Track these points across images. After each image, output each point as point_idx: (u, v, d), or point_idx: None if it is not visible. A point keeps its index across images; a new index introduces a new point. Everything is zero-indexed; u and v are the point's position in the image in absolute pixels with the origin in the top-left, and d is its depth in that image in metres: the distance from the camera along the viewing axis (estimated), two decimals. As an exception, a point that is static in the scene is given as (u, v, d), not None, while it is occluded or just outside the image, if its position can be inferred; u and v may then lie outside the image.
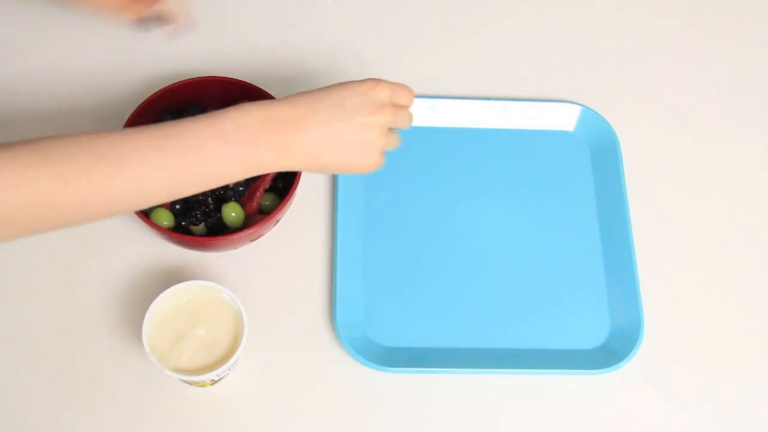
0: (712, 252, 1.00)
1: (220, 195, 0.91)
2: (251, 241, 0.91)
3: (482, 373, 0.90)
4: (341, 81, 0.79)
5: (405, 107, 0.81)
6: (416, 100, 1.01)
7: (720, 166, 1.05)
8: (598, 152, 1.03)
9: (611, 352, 0.92)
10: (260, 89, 0.93)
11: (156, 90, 0.92)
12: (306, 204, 0.96)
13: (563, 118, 1.05)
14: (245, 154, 0.72)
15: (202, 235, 0.90)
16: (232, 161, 0.72)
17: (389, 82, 0.79)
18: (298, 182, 0.89)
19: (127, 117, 0.91)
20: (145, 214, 0.88)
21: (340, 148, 0.76)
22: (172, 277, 0.91)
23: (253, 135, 0.72)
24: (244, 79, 0.94)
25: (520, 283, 0.95)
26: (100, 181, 0.68)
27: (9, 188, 0.65)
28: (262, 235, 0.92)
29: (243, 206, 0.90)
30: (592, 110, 1.04)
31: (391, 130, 0.81)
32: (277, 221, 0.91)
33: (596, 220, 0.99)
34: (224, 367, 0.80)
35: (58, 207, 0.67)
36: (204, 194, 0.90)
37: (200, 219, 0.90)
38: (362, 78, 0.79)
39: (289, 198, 0.88)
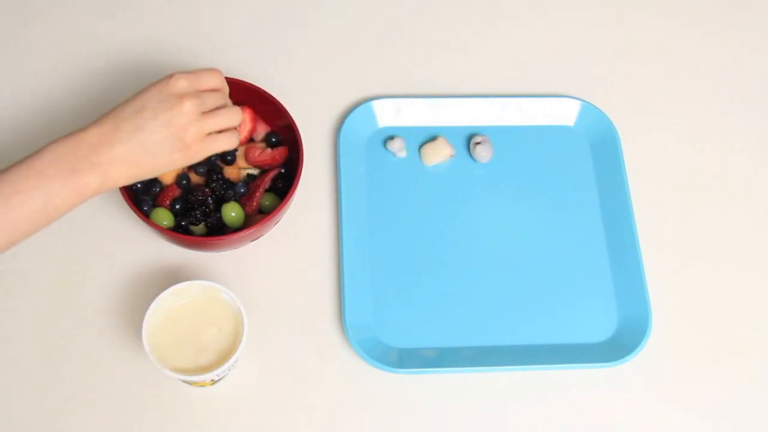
0: (717, 243, 1.00)
1: (220, 195, 0.91)
2: (251, 241, 0.91)
3: (492, 371, 0.90)
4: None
5: (215, 89, 0.83)
6: (416, 100, 1.02)
7: (721, 158, 1.05)
8: (599, 146, 1.03)
9: (620, 345, 0.92)
10: (261, 89, 0.93)
11: (155, 90, 0.92)
12: (307, 204, 0.96)
13: (563, 113, 1.05)
14: (66, 182, 0.74)
15: (202, 235, 0.90)
16: (57, 193, 0.74)
17: (186, 72, 0.81)
18: (298, 182, 0.89)
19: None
20: (145, 214, 0.89)
21: (154, 147, 0.78)
22: (172, 277, 0.92)
23: (68, 163, 0.75)
24: (244, 80, 0.94)
25: (526, 279, 0.95)
26: None
27: None
28: (262, 235, 0.92)
29: (243, 206, 0.91)
30: (592, 105, 1.04)
31: (212, 111, 0.82)
32: (277, 221, 0.91)
33: (599, 214, 1.00)
34: (224, 367, 0.81)
35: None
36: (204, 194, 0.90)
37: (200, 219, 0.90)
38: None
39: (289, 198, 0.89)
